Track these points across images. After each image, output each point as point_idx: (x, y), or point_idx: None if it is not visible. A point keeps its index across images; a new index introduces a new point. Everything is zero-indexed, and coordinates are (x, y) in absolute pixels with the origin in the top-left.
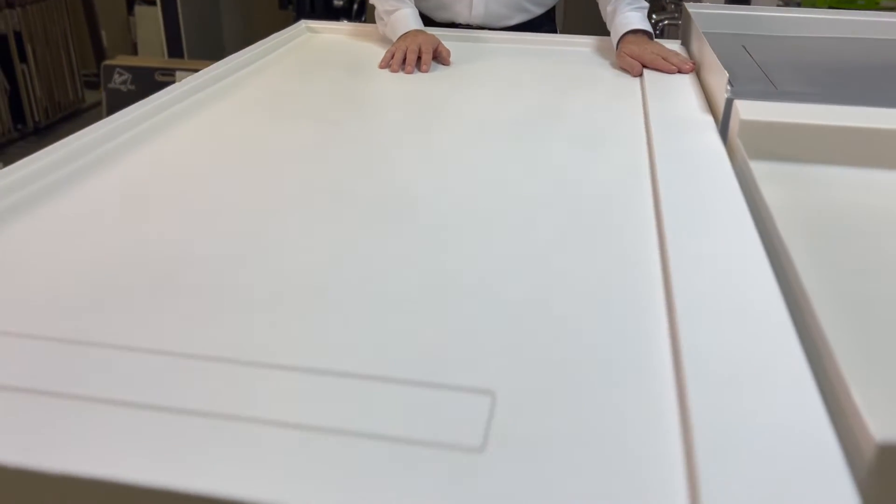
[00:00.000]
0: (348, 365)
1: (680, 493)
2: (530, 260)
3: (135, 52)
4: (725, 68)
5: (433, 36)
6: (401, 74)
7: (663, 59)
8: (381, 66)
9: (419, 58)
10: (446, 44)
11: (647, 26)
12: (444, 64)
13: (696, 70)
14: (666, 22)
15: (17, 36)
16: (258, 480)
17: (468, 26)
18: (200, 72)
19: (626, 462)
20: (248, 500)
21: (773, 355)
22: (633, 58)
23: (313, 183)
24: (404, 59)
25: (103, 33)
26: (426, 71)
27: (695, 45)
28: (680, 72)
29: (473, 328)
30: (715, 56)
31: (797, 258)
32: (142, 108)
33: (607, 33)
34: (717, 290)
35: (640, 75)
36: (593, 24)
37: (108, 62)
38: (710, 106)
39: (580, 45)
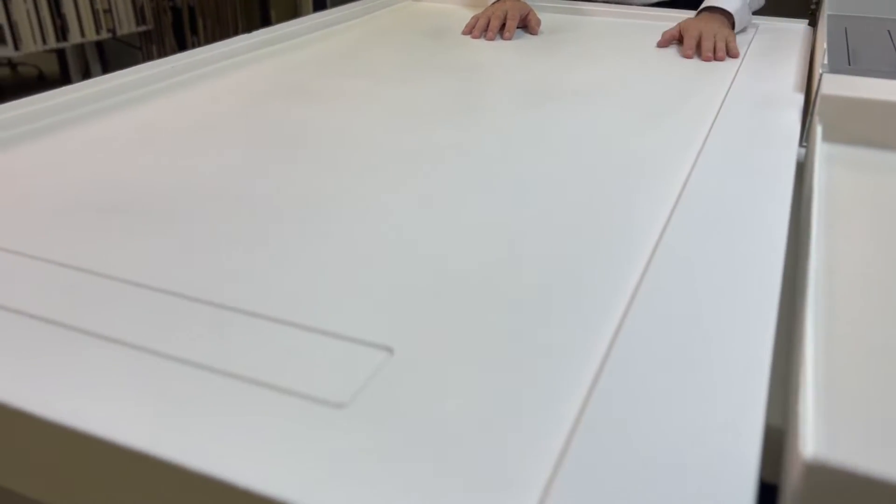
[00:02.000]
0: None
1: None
2: (510, 226)
3: None
4: (852, 51)
5: (525, 4)
6: (483, 42)
7: (703, 42)
8: (464, 32)
9: (504, 25)
10: (555, 15)
11: (729, 5)
12: (531, 33)
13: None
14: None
15: (191, 10)
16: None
17: (605, 1)
18: (280, 24)
19: (489, 446)
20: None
21: (735, 350)
22: (679, 30)
23: (346, 133)
24: (488, 26)
25: (272, 11)
26: (508, 38)
27: (819, 25)
28: (714, 59)
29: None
30: (825, 33)
31: (820, 256)
32: (209, 52)
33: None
34: (696, 286)
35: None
36: None
37: None
38: (810, 87)
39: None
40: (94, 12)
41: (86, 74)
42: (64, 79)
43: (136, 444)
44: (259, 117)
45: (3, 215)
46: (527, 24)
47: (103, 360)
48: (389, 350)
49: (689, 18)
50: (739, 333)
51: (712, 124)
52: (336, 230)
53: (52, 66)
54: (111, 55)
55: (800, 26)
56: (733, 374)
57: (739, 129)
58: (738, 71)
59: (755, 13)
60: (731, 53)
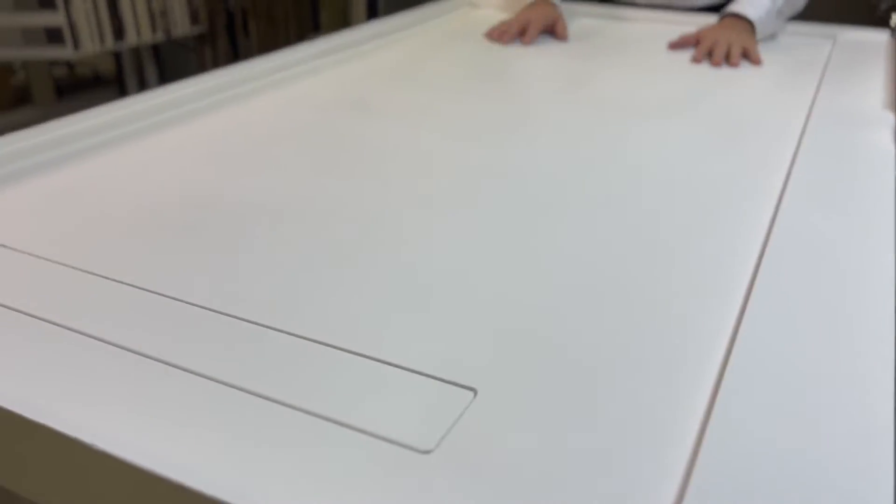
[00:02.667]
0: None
1: None
2: (595, 250)
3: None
4: None
5: (554, 10)
6: (541, 51)
7: (715, 48)
8: (487, 35)
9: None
10: (599, 21)
11: (751, 14)
12: (560, 39)
13: None
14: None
15: (244, 13)
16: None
17: (651, 6)
18: (339, 33)
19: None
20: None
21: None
22: (695, 36)
23: (411, 150)
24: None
25: (322, 13)
26: (527, 43)
27: None
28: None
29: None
30: None
31: None
32: (269, 63)
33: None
34: (797, 344)
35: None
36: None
37: (314, 39)
38: None
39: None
40: (151, 14)
41: (140, 76)
42: (119, 79)
43: (211, 490)
44: (323, 132)
45: (73, 233)
46: (554, 31)
47: (175, 391)
48: (473, 390)
49: (710, 25)
50: (856, 395)
51: (798, 146)
52: (411, 259)
53: (107, 67)
54: (165, 57)
55: (881, 37)
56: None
57: (828, 152)
58: (819, 86)
59: (797, 17)
60: (751, 61)
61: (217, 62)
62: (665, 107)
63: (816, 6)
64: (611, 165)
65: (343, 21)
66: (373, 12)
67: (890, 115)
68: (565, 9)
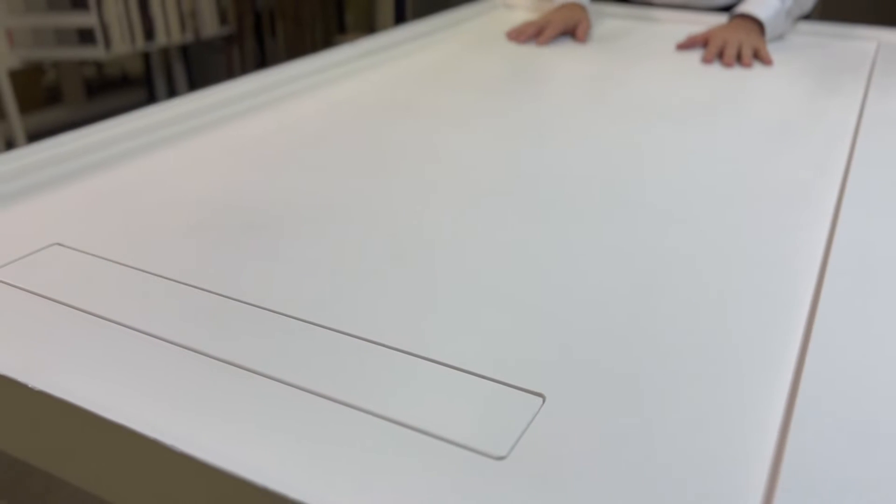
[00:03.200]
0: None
1: None
2: (654, 273)
3: (372, 31)
4: None
5: (579, 12)
6: (573, 52)
7: (726, 49)
8: (509, 36)
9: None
10: (625, 22)
11: (761, 14)
12: (578, 41)
13: None
14: None
15: (271, 14)
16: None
17: (670, 5)
18: (377, 35)
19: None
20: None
21: None
22: (704, 37)
23: (459, 153)
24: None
25: (348, 15)
26: (541, 43)
27: None
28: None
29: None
30: None
31: None
32: (307, 65)
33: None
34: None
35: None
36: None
37: (338, 39)
38: None
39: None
40: (181, 14)
41: (169, 76)
42: (148, 79)
43: (290, 493)
44: (366, 135)
45: (125, 232)
46: (575, 33)
47: (244, 393)
48: (541, 396)
49: (719, 25)
50: None
51: (851, 150)
52: (469, 261)
53: (135, 67)
54: (193, 57)
55: None
56: None
57: (884, 158)
58: (867, 90)
59: (807, 17)
60: (762, 61)
61: (244, 63)
62: (706, 108)
63: (859, 7)
64: (664, 168)
65: (368, 23)
66: (400, 14)
67: None
68: (594, 10)
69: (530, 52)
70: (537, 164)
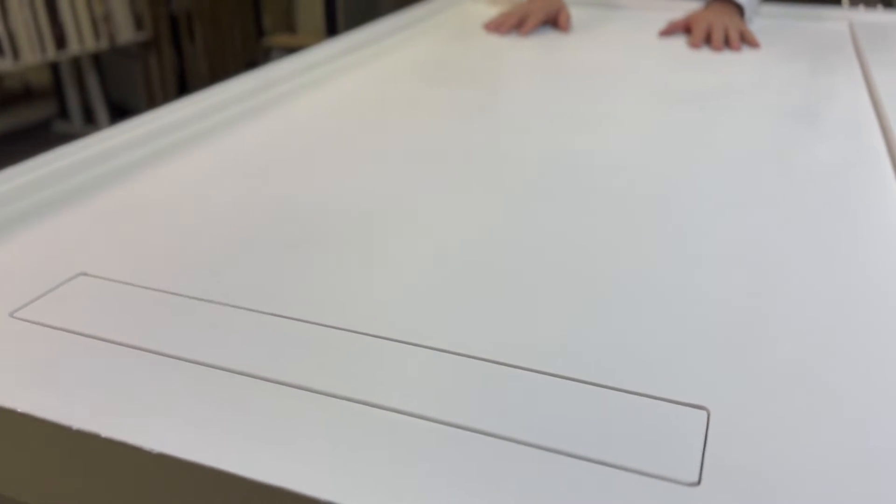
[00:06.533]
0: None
1: None
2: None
3: (294, 33)
4: None
5: (556, 1)
6: (549, 44)
7: (714, 33)
8: (484, 26)
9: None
10: (606, 11)
11: None
12: (561, 30)
13: None
14: None
15: (188, 17)
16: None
17: None
18: (341, 37)
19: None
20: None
21: None
22: (685, 22)
23: (509, 148)
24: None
25: (266, 16)
26: (524, 34)
27: None
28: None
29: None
30: None
31: None
32: (283, 69)
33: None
34: None
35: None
36: None
37: (266, 42)
38: None
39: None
40: (93, 20)
41: (81, 87)
42: (58, 91)
43: None
44: (368, 134)
45: (159, 255)
46: (557, 22)
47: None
48: (704, 409)
49: (699, 9)
50: None
51: (885, 132)
52: (586, 272)
53: (40, 79)
54: (107, 66)
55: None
56: None
57: None
58: (865, 70)
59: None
60: (749, 44)
61: (163, 70)
62: (718, 93)
63: None
64: (705, 155)
65: (288, 24)
66: (331, 14)
67: None
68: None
69: (513, 43)
70: (601, 153)
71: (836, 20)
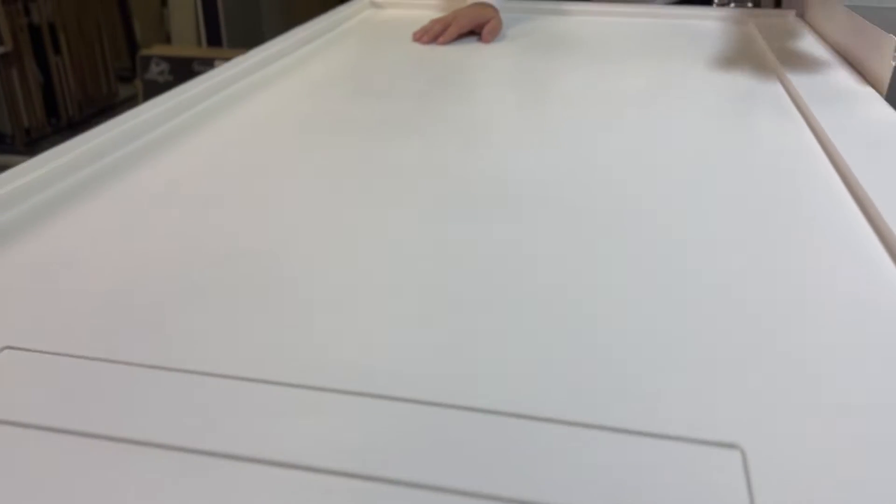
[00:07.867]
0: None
1: None
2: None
3: (168, 43)
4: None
5: (488, 11)
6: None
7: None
8: (413, 35)
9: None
10: (574, 18)
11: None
12: (483, 41)
13: (845, 48)
14: None
15: (51, 27)
16: None
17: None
18: (251, 51)
19: None
20: None
21: None
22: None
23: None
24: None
25: (136, 25)
26: (441, 43)
27: (824, 15)
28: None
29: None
30: (867, 22)
31: None
32: (186, 93)
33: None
34: None
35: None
36: None
37: (144, 52)
38: (867, 79)
39: (693, 17)
40: None
41: None
42: None
43: None
44: (304, 158)
45: (92, 317)
46: (480, 32)
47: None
48: (738, 448)
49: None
50: None
51: (810, 125)
52: (573, 302)
53: None
54: None
55: (788, 15)
56: None
57: (851, 130)
58: (779, 69)
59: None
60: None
61: (25, 84)
62: (646, 98)
63: None
64: (667, 164)
65: (163, 35)
66: (213, 23)
67: (868, 89)
68: (509, 8)
69: (432, 52)
70: (463, 164)
71: (742, 23)
